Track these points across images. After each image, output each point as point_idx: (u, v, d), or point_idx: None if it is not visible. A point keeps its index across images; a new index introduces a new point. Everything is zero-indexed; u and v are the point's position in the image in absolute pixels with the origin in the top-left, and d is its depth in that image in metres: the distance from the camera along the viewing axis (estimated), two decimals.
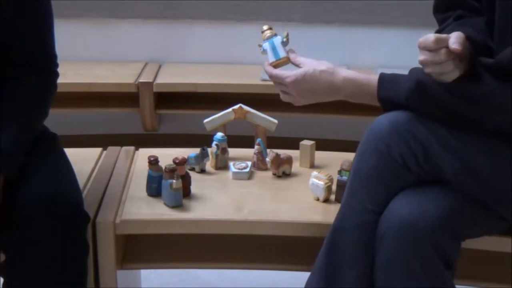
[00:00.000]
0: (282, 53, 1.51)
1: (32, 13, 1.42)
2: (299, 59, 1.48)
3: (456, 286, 1.31)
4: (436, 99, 1.27)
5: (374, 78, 1.38)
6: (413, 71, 1.33)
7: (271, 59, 1.51)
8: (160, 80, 2.72)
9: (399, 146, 1.28)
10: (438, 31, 1.47)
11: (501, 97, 1.23)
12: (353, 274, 1.29)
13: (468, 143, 1.28)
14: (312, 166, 1.71)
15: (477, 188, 1.29)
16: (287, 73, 1.45)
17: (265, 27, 1.55)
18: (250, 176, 1.65)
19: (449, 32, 1.27)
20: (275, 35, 1.53)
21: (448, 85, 1.26)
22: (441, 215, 1.25)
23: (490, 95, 1.24)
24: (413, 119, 1.29)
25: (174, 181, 1.46)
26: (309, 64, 1.45)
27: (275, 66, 1.50)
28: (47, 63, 1.48)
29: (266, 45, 1.52)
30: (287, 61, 1.50)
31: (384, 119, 1.31)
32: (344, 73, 1.42)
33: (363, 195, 1.30)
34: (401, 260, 1.25)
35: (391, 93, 1.35)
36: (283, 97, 1.50)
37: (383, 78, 1.37)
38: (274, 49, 1.51)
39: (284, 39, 1.52)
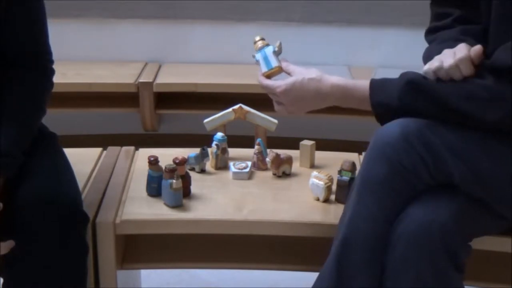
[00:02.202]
0: (274, 63, 1.52)
1: (24, 10, 1.41)
2: (291, 67, 1.50)
3: None
4: (429, 96, 1.29)
5: (361, 83, 1.39)
6: (404, 74, 1.35)
7: (264, 69, 1.52)
8: (160, 80, 2.72)
9: (409, 154, 1.27)
10: (435, 27, 1.49)
11: (495, 89, 1.25)
12: (362, 281, 1.29)
13: (473, 145, 1.28)
14: (312, 166, 1.71)
15: (483, 191, 1.30)
16: (278, 83, 1.47)
17: (257, 38, 1.57)
18: (250, 176, 1.65)
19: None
20: (267, 45, 1.54)
21: (441, 80, 1.29)
22: (452, 219, 1.25)
23: (484, 88, 1.26)
24: (422, 127, 1.29)
25: (174, 181, 1.46)
26: (299, 72, 1.47)
27: (268, 76, 1.52)
28: (42, 60, 1.48)
29: (258, 56, 1.54)
30: (279, 70, 1.51)
31: (394, 127, 1.30)
32: (332, 79, 1.44)
33: (372, 204, 1.29)
34: (413, 264, 1.24)
35: (383, 95, 1.35)
36: (277, 108, 1.51)
37: (373, 83, 1.38)
38: (266, 59, 1.53)
39: (276, 49, 1.53)
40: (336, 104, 1.45)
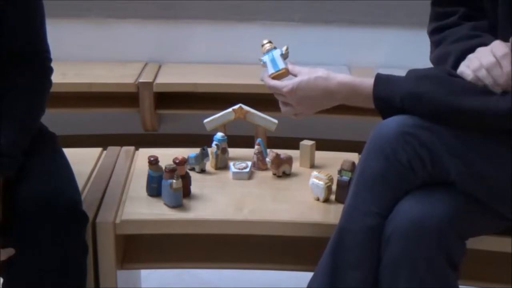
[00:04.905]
0: (281, 65, 1.52)
1: (21, 9, 1.41)
2: (297, 69, 1.50)
3: None
4: (432, 96, 1.28)
5: (368, 80, 1.39)
6: (411, 72, 1.34)
7: (270, 71, 1.52)
8: (160, 80, 2.71)
9: (406, 150, 1.28)
10: (440, 26, 1.47)
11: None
12: (357, 275, 1.30)
13: (472, 145, 1.28)
14: (312, 166, 1.71)
15: (479, 189, 1.30)
16: (284, 83, 1.47)
17: (264, 41, 1.57)
18: (250, 176, 1.65)
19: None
20: (275, 48, 1.55)
21: (443, 76, 1.29)
22: (448, 216, 1.26)
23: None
24: (420, 123, 1.29)
25: (174, 181, 1.46)
26: (305, 72, 1.47)
27: (275, 77, 1.51)
28: (40, 59, 1.48)
29: (266, 58, 1.54)
30: (286, 72, 1.51)
31: (392, 123, 1.31)
32: (339, 77, 1.44)
33: (368, 198, 1.30)
34: (407, 260, 1.25)
35: (386, 92, 1.35)
36: (284, 110, 1.51)
37: (379, 78, 1.38)
38: (273, 61, 1.53)
39: (283, 52, 1.53)
40: (342, 102, 1.45)
